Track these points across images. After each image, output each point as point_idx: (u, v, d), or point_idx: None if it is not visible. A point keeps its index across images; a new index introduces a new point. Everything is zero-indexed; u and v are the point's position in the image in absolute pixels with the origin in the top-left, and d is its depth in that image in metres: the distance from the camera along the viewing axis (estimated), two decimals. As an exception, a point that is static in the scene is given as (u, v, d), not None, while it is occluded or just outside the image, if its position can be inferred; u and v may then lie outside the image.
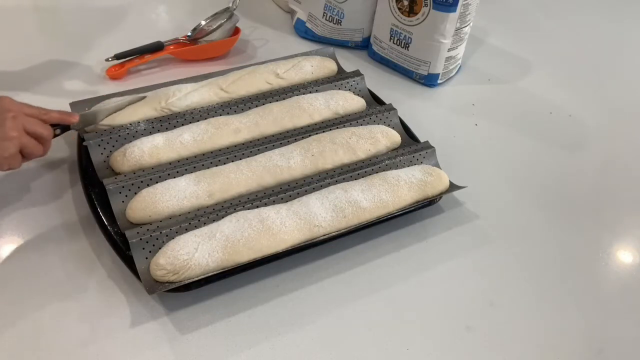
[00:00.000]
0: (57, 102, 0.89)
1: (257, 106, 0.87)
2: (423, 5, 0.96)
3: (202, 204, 0.71)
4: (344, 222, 0.71)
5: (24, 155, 0.67)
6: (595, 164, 0.93)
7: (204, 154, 0.78)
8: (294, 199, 0.73)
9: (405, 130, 0.88)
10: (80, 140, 0.78)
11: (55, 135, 0.72)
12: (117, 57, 0.98)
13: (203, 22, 1.02)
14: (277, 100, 0.88)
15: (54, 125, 0.72)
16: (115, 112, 0.81)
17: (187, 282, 0.63)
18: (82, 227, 0.72)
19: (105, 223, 0.69)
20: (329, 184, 0.76)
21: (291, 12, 1.18)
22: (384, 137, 0.83)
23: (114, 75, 0.97)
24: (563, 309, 0.71)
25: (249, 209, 0.70)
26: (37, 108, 0.70)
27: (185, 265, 0.63)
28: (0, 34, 1.06)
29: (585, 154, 0.95)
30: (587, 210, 0.84)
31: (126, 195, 0.71)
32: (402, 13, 0.99)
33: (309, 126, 0.85)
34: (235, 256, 0.65)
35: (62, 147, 0.83)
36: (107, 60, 0.97)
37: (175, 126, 0.82)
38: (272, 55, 0.98)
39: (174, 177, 0.74)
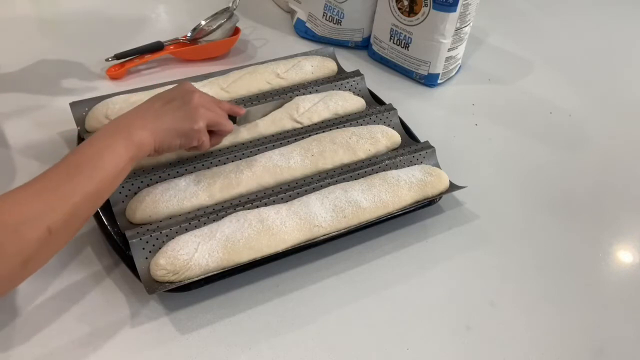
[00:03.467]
0: (57, 102, 0.90)
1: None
2: (423, 5, 0.96)
3: (202, 204, 0.71)
4: (344, 222, 0.71)
5: (211, 132, 0.70)
6: (595, 164, 0.93)
7: (204, 154, 0.78)
8: (294, 199, 0.73)
9: (405, 130, 0.88)
10: (81, 140, 0.79)
11: None
12: (117, 57, 0.98)
13: (203, 22, 1.02)
14: (277, 101, 0.88)
15: None
16: (270, 112, 0.84)
17: (187, 282, 0.63)
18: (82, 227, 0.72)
19: (105, 223, 0.69)
20: (329, 184, 0.76)
21: (291, 12, 1.18)
22: (384, 137, 0.83)
23: (114, 75, 0.97)
24: (563, 309, 0.71)
25: (249, 209, 0.70)
26: (212, 96, 0.72)
27: (185, 265, 0.63)
28: (0, 34, 1.06)
29: (585, 154, 0.95)
30: (587, 210, 0.84)
31: (126, 196, 0.71)
32: (402, 13, 0.99)
33: (308, 126, 0.85)
34: (235, 256, 0.65)
35: (62, 147, 0.83)
36: (107, 60, 0.97)
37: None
38: (272, 55, 0.98)
39: (174, 177, 0.74)
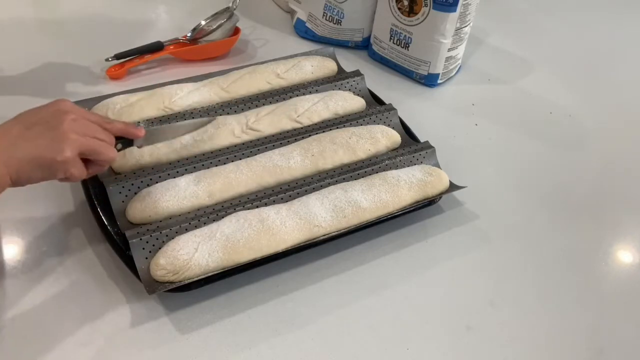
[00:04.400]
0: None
1: (257, 106, 0.87)
2: (423, 5, 0.96)
3: (202, 204, 0.71)
4: (344, 222, 0.71)
5: (89, 160, 0.60)
6: (595, 163, 0.93)
7: (204, 154, 0.78)
8: (294, 199, 0.73)
9: (405, 130, 0.88)
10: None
11: (116, 150, 0.64)
12: (117, 57, 0.98)
13: (203, 22, 1.02)
14: (277, 101, 0.88)
15: (116, 139, 0.64)
16: (183, 134, 0.75)
17: (187, 282, 0.63)
18: (82, 228, 0.72)
19: (105, 223, 0.69)
20: (329, 184, 0.76)
21: (291, 12, 1.18)
22: (384, 137, 0.83)
23: (114, 75, 0.97)
24: (563, 309, 0.71)
25: (249, 209, 0.70)
26: (100, 116, 0.63)
27: (185, 265, 0.63)
28: (1, 35, 1.06)
29: (585, 153, 0.95)
30: (587, 210, 0.84)
31: (126, 195, 0.71)
32: (402, 13, 0.99)
33: (308, 126, 0.85)
34: (235, 256, 0.65)
35: (62, 147, 0.83)
36: (107, 60, 0.97)
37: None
38: (272, 55, 0.98)
39: (174, 177, 0.74)
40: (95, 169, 0.62)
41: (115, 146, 0.64)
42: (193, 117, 0.83)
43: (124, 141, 0.65)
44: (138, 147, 0.68)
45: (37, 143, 0.55)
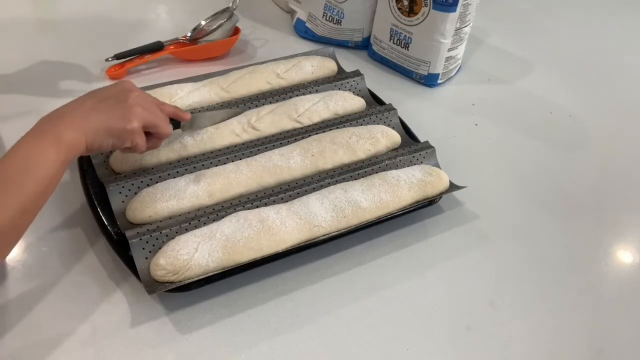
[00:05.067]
0: (57, 102, 0.90)
1: (257, 106, 0.87)
2: (423, 5, 0.96)
3: (202, 204, 0.71)
4: (344, 222, 0.71)
5: (148, 134, 0.67)
6: (595, 164, 0.93)
7: (204, 154, 0.78)
8: (294, 199, 0.73)
9: (405, 130, 0.88)
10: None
11: None
12: (117, 57, 0.98)
13: (203, 22, 1.02)
14: (277, 101, 0.88)
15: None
16: (219, 122, 0.81)
17: (187, 282, 0.63)
18: (82, 228, 0.72)
19: (105, 223, 0.69)
20: (329, 184, 0.76)
21: (291, 12, 1.18)
22: (384, 137, 0.83)
23: (114, 75, 0.97)
24: (563, 309, 0.71)
25: (249, 209, 0.70)
26: (155, 99, 0.70)
27: (185, 265, 0.63)
28: (0, 35, 1.06)
29: (585, 153, 0.95)
30: (587, 210, 0.84)
31: (126, 195, 0.71)
32: (402, 13, 0.99)
33: (308, 126, 0.85)
34: (235, 256, 0.65)
35: (62, 147, 0.83)
36: (107, 60, 0.98)
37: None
38: (272, 55, 0.98)
39: (174, 177, 0.74)
40: (153, 143, 0.69)
41: None
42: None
43: (174, 122, 0.72)
44: (182, 130, 0.76)
45: (109, 114, 0.62)
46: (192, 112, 0.78)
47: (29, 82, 0.95)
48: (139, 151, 0.67)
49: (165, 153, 0.76)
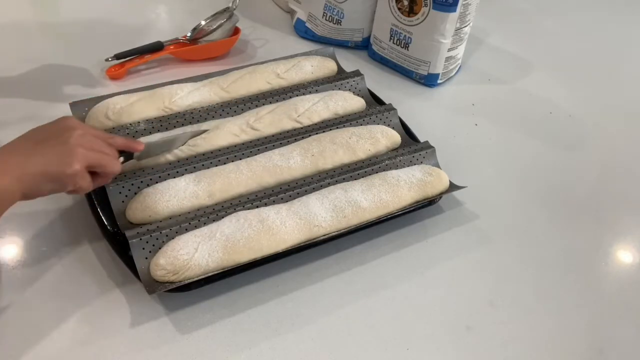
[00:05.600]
0: (57, 102, 0.90)
1: (257, 106, 0.87)
2: (423, 5, 0.96)
3: (202, 204, 0.71)
4: (344, 222, 0.71)
5: (95, 173, 0.62)
6: (595, 163, 0.93)
7: (204, 154, 0.78)
8: (294, 199, 0.73)
9: (405, 130, 0.88)
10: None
11: None
12: (117, 57, 0.98)
13: (203, 22, 1.02)
14: (277, 101, 0.88)
15: (118, 153, 0.67)
16: (177, 147, 0.77)
17: (187, 282, 0.63)
18: (82, 228, 0.72)
19: (105, 223, 0.69)
20: (329, 184, 0.76)
21: (291, 12, 1.18)
22: (384, 137, 0.83)
23: (114, 75, 0.97)
24: (563, 309, 0.71)
25: (249, 209, 0.70)
26: (103, 132, 0.66)
27: (185, 265, 0.63)
28: (0, 35, 1.06)
29: (585, 153, 0.95)
30: (587, 210, 0.84)
31: (126, 195, 0.71)
32: (402, 13, 0.99)
33: (308, 126, 0.85)
34: (235, 256, 0.65)
35: (62, 147, 0.83)
36: (107, 60, 0.97)
37: (175, 126, 0.82)
38: (272, 55, 0.98)
39: (174, 177, 0.74)
40: (101, 181, 0.65)
41: (118, 159, 0.67)
42: (192, 117, 0.83)
43: (126, 154, 0.68)
44: (137, 160, 0.72)
45: (47, 158, 0.57)
46: (151, 140, 0.75)
47: (30, 82, 0.95)
48: (84, 192, 0.63)
49: (165, 154, 0.76)
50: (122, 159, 0.67)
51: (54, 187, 0.59)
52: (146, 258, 0.65)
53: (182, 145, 0.77)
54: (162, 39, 1.02)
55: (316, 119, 0.86)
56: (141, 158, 0.73)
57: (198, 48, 1.03)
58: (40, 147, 0.58)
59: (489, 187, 0.86)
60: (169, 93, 0.85)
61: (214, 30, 1.02)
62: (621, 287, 0.75)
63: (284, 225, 0.68)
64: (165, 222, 0.68)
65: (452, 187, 0.79)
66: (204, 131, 0.79)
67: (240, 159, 0.77)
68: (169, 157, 0.77)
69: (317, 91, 0.91)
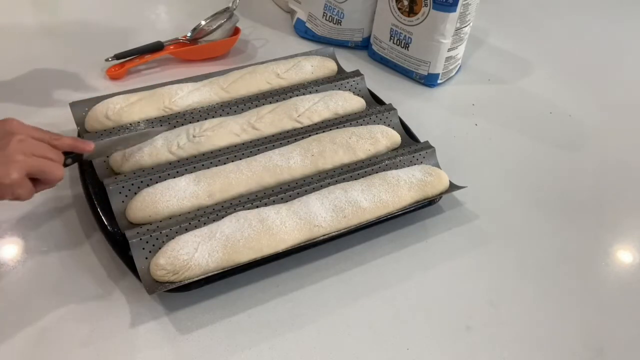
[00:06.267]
0: (57, 102, 0.90)
1: (257, 106, 0.87)
2: (423, 5, 0.96)
3: (202, 204, 0.71)
4: (344, 222, 0.71)
5: (36, 180, 0.60)
6: (595, 163, 0.93)
7: (204, 154, 0.78)
8: (294, 199, 0.73)
9: (405, 130, 0.88)
10: (80, 140, 0.78)
11: (65, 165, 0.64)
12: (117, 57, 0.98)
13: (203, 22, 1.02)
14: (277, 101, 0.88)
15: (65, 154, 0.64)
16: (133, 145, 0.75)
17: (187, 282, 0.63)
18: (82, 227, 0.72)
19: (105, 223, 0.69)
20: (329, 184, 0.76)
21: (291, 12, 1.18)
22: (384, 137, 0.83)
23: (114, 75, 0.97)
24: (563, 309, 0.71)
25: (249, 209, 0.70)
26: (48, 133, 0.63)
27: (185, 265, 0.63)
28: (0, 35, 1.06)
29: (585, 153, 0.95)
30: (587, 210, 0.84)
31: (126, 195, 0.71)
32: (402, 13, 0.99)
33: (308, 126, 0.85)
34: (235, 256, 0.65)
35: (62, 147, 0.83)
36: (107, 60, 0.97)
37: (175, 126, 0.82)
38: (272, 55, 0.98)
39: (174, 177, 0.74)
40: (44, 187, 0.62)
41: (65, 161, 0.64)
42: (192, 117, 0.83)
43: (74, 156, 0.66)
44: (86, 160, 0.69)
45: None
46: (101, 140, 0.73)
47: (30, 82, 0.95)
48: (25, 200, 0.59)
49: (165, 154, 0.76)
50: (69, 160, 0.65)
51: None
52: (146, 258, 0.65)
53: (137, 144, 0.75)
54: (162, 39, 1.02)
55: (316, 119, 0.86)
56: (92, 158, 0.70)
57: (198, 48, 1.03)
58: None
59: (489, 187, 0.86)
60: (169, 93, 0.85)
61: (214, 30, 1.02)
62: (621, 287, 0.75)
63: (284, 225, 0.68)
64: (165, 222, 0.68)
65: (452, 187, 0.79)
66: (162, 130, 0.78)
67: (240, 159, 0.77)
68: (169, 156, 0.77)
69: (317, 91, 0.91)
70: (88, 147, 0.66)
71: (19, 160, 0.56)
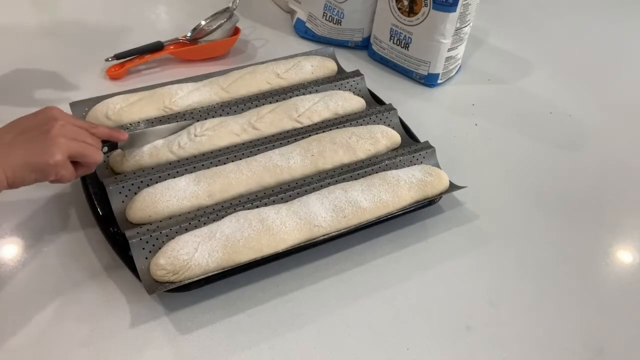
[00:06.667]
0: (57, 102, 0.90)
1: (257, 106, 0.87)
2: (423, 5, 0.96)
3: (202, 204, 0.71)
4: (344, 222, 0.71)
5: (78, 163, 0.63)
6: (595, 163, 0.93)
7: (204, 154, 0.78)
8: (294, 199, 0.73)
9: (405, 130, 0.88)
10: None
11: (103, 152, 0.67)
12: (117, 57, 0.98)
13: (203, 22, 1.02)
14: (277, 101, 0.88)
15: (102, 143, 0.68)
16: (164, 137, 0.78)
17: (187, 282, 0.63)
18: (82, 228, 0.72)
19: (105, 223, 0.69)
20: (329, 184, 0.76)
21: (291, 12, 1.18)
22: (384, 137, 0.83)
23: (114, 75, 0.97)
24: (563, 309, 0.71)
25: (249, 209, 0.70)
26: (86, 122, 0.67)
27: (185, 265, 0.63)
28: (0, 34, 1.06)
29: (585, 153, 0.95)
30: (587, 210, 0.84)
31: (126, 195, 0.71)
32: (402, 13, 0.99)
33: (308, 126, 0.85)
34: (235, 256, 0.65)
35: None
36: (107, 60, 0.98)
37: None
38: (272, 55, 0.98)
39: (174, 177, 0.74)
40: (84, 171, 0.65)
41: (102, 149, 0.67)
42: (192, 117, 0.83)
43: (110, 144, 0.69)
44: (122, 149, 0.73)
45: (30, 148, 0.59)
46: (135, 131, 0.76)
47: (30, 82, 0.95)
48: (66, 182, 0.63)
49: (165, 154, 0.76)
50: (105, 148, 0.68)
51: (37, 177, 0.59)
52: (146, 258, 0.65)
53: (167, 136, 0.78)
54: (162, 39, 1.02)
55: (316, 119, 0.86)
56: (125, 148, 0.73)
57: (198, 48, 1.03)
58: (24, 137, 0.59)
59: (489, 187, 0.86)
60: (169, 93, 0.85)
61: (214, 30, 1.02)
62: (621, 287, 0.75)
63: (284, 225, 0.68)
64: (165, 222, 0.68)
65: (452, 187, 0.79)
66: (190, 123, 0.80)
67: (240, 159, 0.77)
68: (170, 156, 0.77)
69: (317, 91, 0.91)
70: (122, 136, 0.71)
71: (62, 142, 0.60)
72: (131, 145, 0.74)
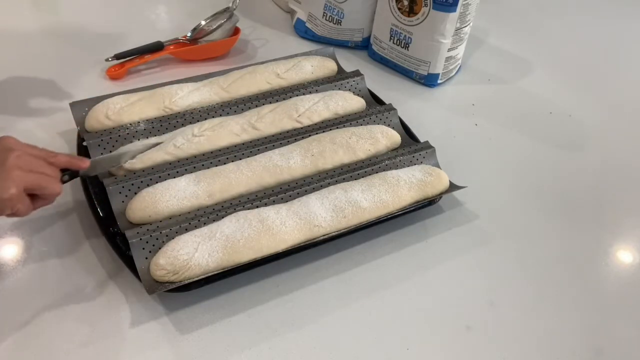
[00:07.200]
0: (57, 102, 0.90)
1: (257, 106, 0.87)
2: (423, 5, 0.96)
3: (202, 204, 0.71)
4: (344, 222, 0.71)
5: (34, 197, 0.60)
6: (595, 163, 0.93)
7: (204, 154, 0.78)
8: (294, 199, 0.73)
9: (405, 130, 0.88)
10: (80, 140, 0.79)
11: (63, 182, 0.64)
12: (117, 57, 0.98)
13: (203, 22, 1.02)
14: (277, 101, 0.88)
15: (62, 171, 0.65)
16: (129, 160, 0.75)
17: (187, 282, 0.63)
18: (82, 228, 0.72)
19: (105, 223, 0.69)
20: (329, 184, 0.76)
21: (291, 12, 1.18)
22: (384, 137, 0.83)
23: (114, 75, 0.97)
24: (563, 309, 0.71)
25: (249, 209, 0.70)
26: (44, 150, 0.63)
27: (185, 265, 0.63)
28: (0, 35, 1.06)
29: (585, 153, 0.95)
30: (587, 210, 0.84)
31: (126, 195, 0.71)
32: (402, 13, 0.99)
33: (308, 126, 0.85)
34: (235, 256, 0.65)
35: (63, 147, 0.83)
36: (107, 60, 0.97)
37: (175, 126, 0.82)
38: (272, 55, 0.98)
39: (174, 177, 0.74)
40: (42, 203, 0.62)
41: (62, 177, 0.64)
42: (193, 117, 0.83)
43: (71, 173, 0.66)
44: (86, 176, 0.70)
45: None
46: (96, 157, 0.74)
47: (30, 82, 0.95)
48: (23, 216, 0.60)
49: (163, 155, 0.76)
50: (66, 177, 0.65)
51: None
52: (146, 258, 0.65)
53: (132, 158, 0.75)
54: (162, 39, 1.02)
55: (316, 119, 0.86)
56: (88, 174, 0.71)
57: (198, 48, 1.03)
58: None
59: (489, 187, 0.86)
60: (169, 93, 0.85)
61: (214, 30, 1.02)
62: (621, 287, 0.75)
63: (284, 225, 0.68)
64: (165, 222, 0.68)
65: (452, 187, 0.79)
66: (156, 144, 0.77)
67: (240, 159, 0.77)
68: (169, 157, 0.76)
69: (317, 91, 0.91)
70: (83, 164, 0.67)
71: (17, 175, 0.57)
72: (94, 172, 0.71)
